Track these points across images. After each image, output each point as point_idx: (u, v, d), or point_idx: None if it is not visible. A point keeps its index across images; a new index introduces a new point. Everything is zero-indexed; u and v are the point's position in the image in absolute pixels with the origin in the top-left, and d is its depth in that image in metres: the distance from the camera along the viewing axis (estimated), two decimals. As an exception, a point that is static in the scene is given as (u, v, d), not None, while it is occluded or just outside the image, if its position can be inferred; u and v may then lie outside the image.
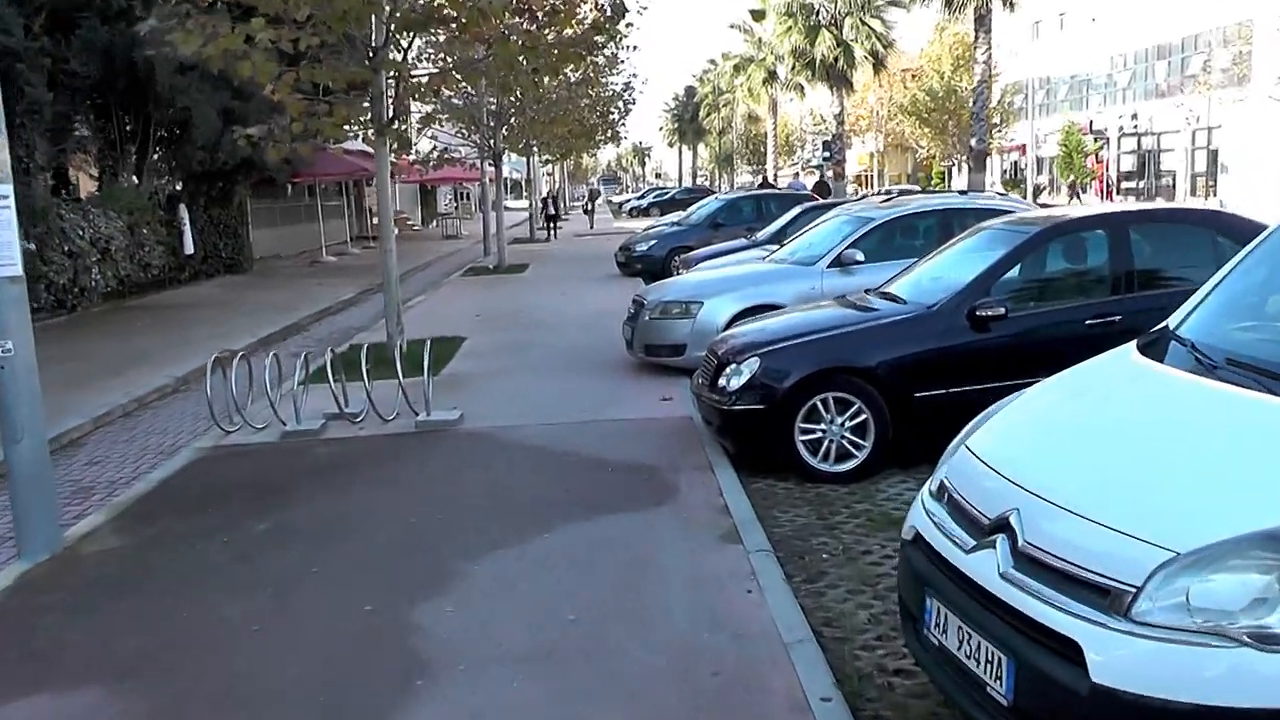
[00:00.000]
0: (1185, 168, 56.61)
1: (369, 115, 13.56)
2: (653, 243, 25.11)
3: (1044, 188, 65.40)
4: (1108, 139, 62.44)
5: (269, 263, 33.83)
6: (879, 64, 44.08)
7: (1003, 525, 3.77)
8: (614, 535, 6.82)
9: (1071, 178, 55.78)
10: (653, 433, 9.56)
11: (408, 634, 5.48)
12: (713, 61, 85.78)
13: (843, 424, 7.94)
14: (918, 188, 71.94)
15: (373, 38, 12.87)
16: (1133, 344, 4.80)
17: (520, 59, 12.69)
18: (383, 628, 5.58)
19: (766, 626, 5.37)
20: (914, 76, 55.92)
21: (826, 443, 7.96)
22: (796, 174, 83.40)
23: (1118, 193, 55.42)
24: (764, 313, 10.75)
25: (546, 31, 13.17)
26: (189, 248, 26.63)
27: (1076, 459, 3.95)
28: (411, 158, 31.12)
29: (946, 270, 9.13)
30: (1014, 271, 8.44)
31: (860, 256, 11.78)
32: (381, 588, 6.11)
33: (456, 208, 70.56)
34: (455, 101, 29.11)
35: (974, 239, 9.41)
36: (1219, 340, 4.54)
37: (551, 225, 43.79)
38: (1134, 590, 3.20)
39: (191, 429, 11.37)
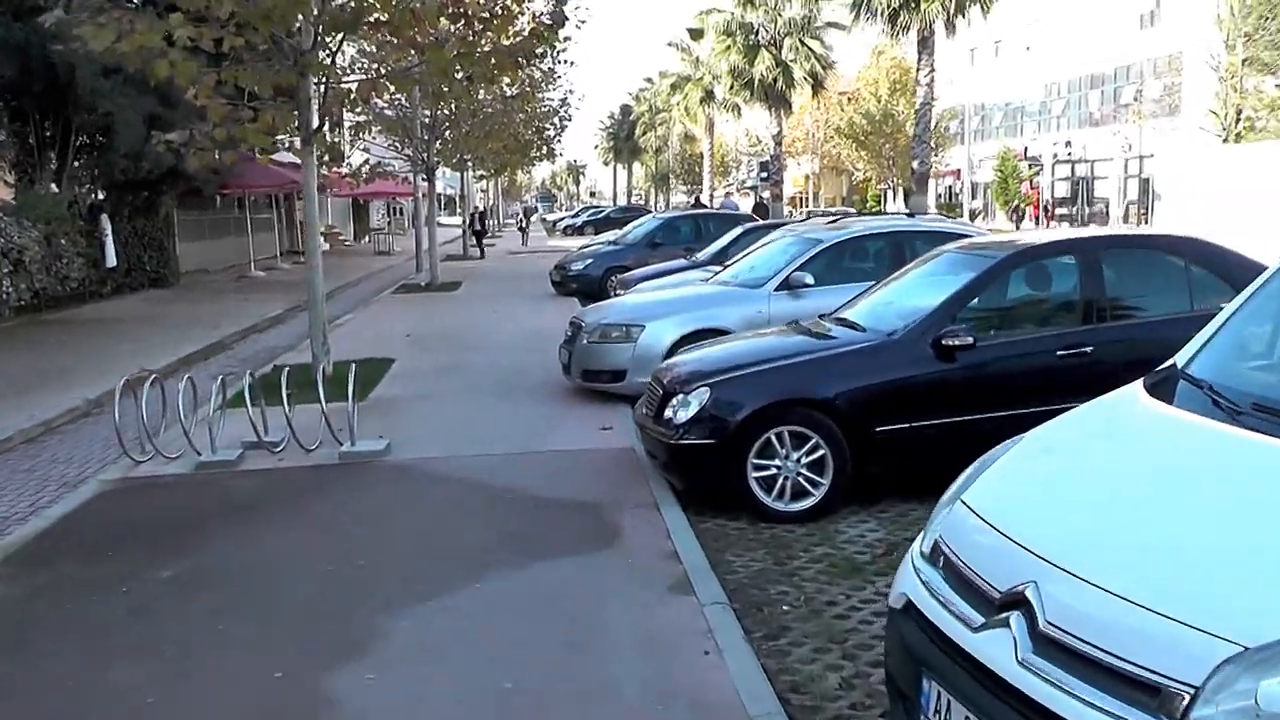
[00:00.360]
0: (1118, 194, 57.15)
1: (296, 123, 12.85)
2: (589, 262, 24.54)
3: (979, 212, 65.80)
4: (1042, 165, 62.96)
5: (195, 277, 32.82)
6: (818, 85, 43.87)
7: (1017, 600, 3.20)
8: (554, 585, 6.21)
9: (1016, 201, 55.96)
10: (593, 465, 8.96)
11: (322, 708, 4.82)
12: (649, 80, 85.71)
13: (799, 460, 7.39)
14: (853, 210, 72.41)
15: (300, 39, 12.20)
16: (1139, 384, 4.28)
17: (455, 67, 12.06)
18: (293, 701, 4.92)
19: (728, 695, 4.78)
20: (850, 99, 55.90)
21: (782, 480, 7.40)
22: (728, 193, 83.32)
23: (1053, 219, 55.62)
24: (710, 338, 10.25)
25: (482, 40, 12.57)
26: (111, 260, 25.62)
27: (1102, 522, 3.39)
28: (343, 170, 30.57)
29: (906, 296, 8.65)
30: (980, 298, 7.95)
31: (809, 279, 11.27)
32: (294, 650, 5.44)
33: (389, 223, 69.60)
34: (388, 113, 28.42)
35: (934, 263, 8.94)
36: (1238, 382, 4.03)
37: (479, 242, 42.93)
38: (1191, 691, 2.65)
39: (101, 457, 10.58)
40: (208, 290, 29.34)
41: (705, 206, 49.43)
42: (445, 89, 12.72)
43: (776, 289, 11.37)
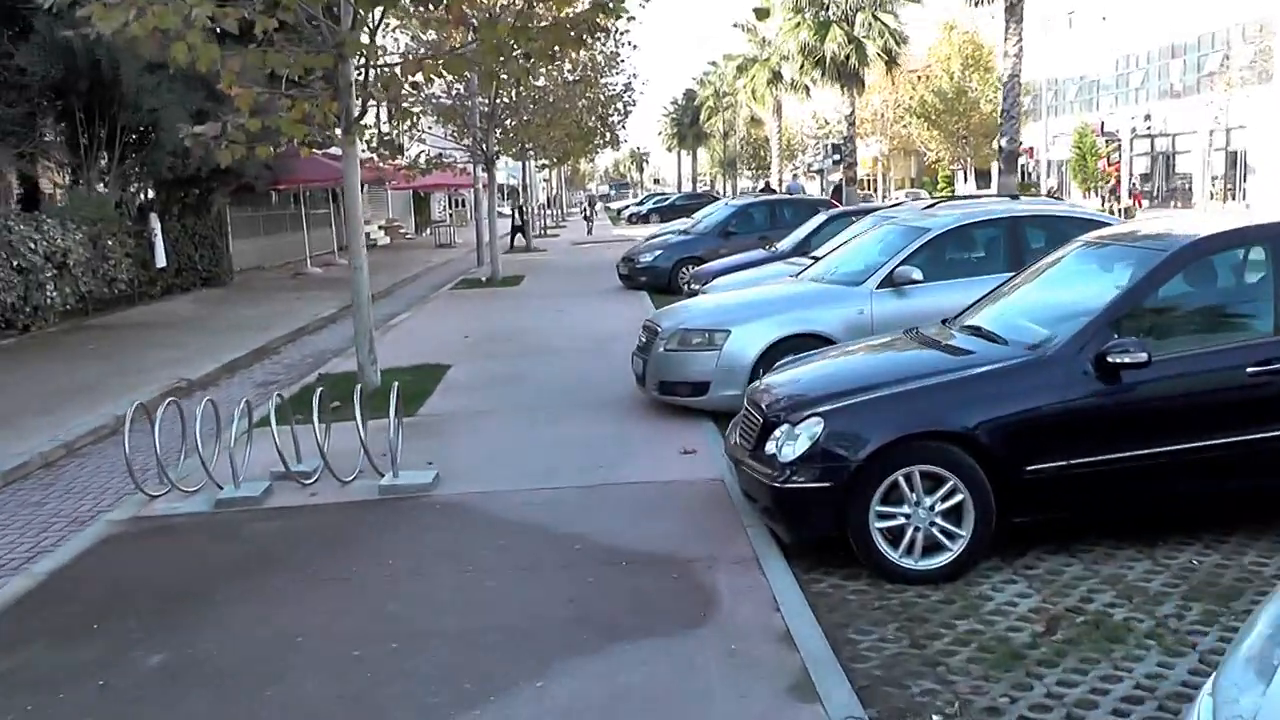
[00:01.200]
0: (1202, 169, 54.77)
1: (336, 113, 11.61)
2: (658, 253, 23.19)
3: (1055, 191, 63.52)
4: (1120, 141, 60.56)
5: (250, 275, 31.92)
6: (892, 62, 42.05)
7: None
8: (637, 683, 4.87)
9: (1112, 181, 53.67)
10: (676, 503, 7.60)
11: None
12: (714, 63, 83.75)
13: (932, 507, 5.98)
14: (923, 192, 70.43)
15: (339, 17, 10.96)
16: None
17: (510, 44, 10.75)
18: None
19: None
20: (922, 78, 53.96)
21: (911, 531, 6.00)
22: (795, 175, 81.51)
23: (1142, 199, 53.21)
24: (805, 347, 8.91)
25: (538, 11, 11.25)
26: (161, 260, 24.69)
27: None
28: (400, 162, 29.44)
29: (1046, 298, 7.24)
30: (1148, 303, 6.47)
31: (917, 275, 9.84)
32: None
33: (451, 215, 68.74)
34: (444, 101, 27.25)
35: (1073, 258, 7.50)
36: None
37: (520, 235, 41.15)
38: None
39: (119, 487, 9.37)
40: (261, 289, 28.36)
41: (774, 191, 47.92)
42: (501, 71, 11.37)
43: (879, 286, 9.95)
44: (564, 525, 7.17)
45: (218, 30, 9.80)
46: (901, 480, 5.95)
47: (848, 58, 40.31)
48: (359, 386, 9.87)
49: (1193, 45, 55.75)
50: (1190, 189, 55.64)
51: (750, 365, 9.49)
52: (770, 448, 6.30)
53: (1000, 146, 26.92)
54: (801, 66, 41.61)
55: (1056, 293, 7.22)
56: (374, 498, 8.08)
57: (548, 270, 30.98)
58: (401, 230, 55.22)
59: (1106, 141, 59.46)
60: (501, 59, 10.02)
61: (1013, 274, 8.24)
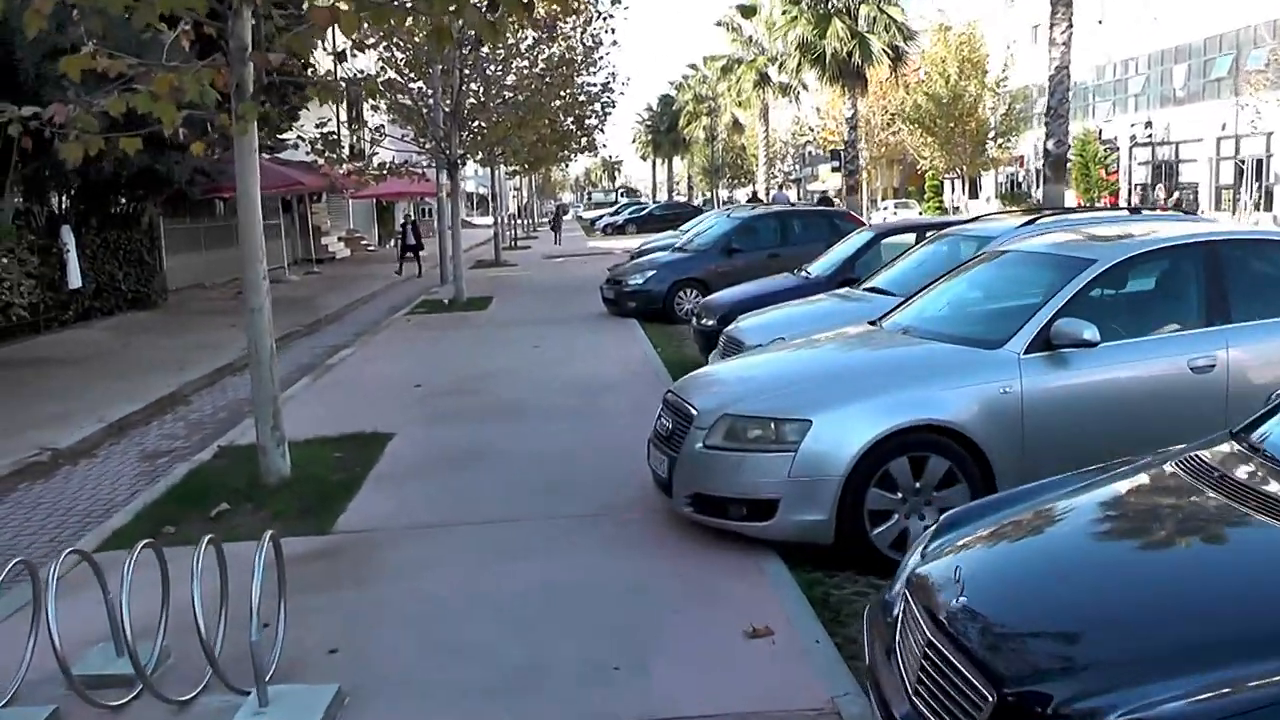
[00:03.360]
0: (1209, 178, 51.82)
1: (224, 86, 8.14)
2: (650, 274, 19.73)
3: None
4: (1118, 148, 57.56)
5: (187, 294, 28.37)
6: (898, 59, 38.74)
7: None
8: None
9: (1176, 195, 50.46)
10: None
11: None
12: (693, 66, 79.88)
13: None
14: (912, 202, 67.34)
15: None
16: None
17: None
18: None
19: None
20: (916, 82, 50.63)
21: None
22: (780, 185, 78.14)
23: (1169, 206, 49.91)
24: (926, 447, 5.70)
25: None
26: (74, 280, 21.14)
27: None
28: (347, 167, 25.91)
29: None
30: None
31: (1090, 333, 6.38)
32: None
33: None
34: (403, 101, 23.74)
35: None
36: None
37: (411, 257, 35.32)
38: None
39: None
40: (195, 311, 24.81)
41: (761, 201, 44.63)
42: (455, 23, 7.86)
43: (1030, 350, 6.53)
44: None
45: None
46: None
47: (850, 54, 36.81)
48: (273, 464, 6.52)
49: (1198, 49, 52.82)
50: (1196, 198, 52.61)
51: (843, 474, 6.10)
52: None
53: (1046, 150, 23.54)
54: (797, 65, 38.14)
55: None
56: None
57: (519, 289, 27.49)
58: (363, 242, 51.64)
59: (1106, 149, 56.49)
60: (453, 6, 6.62)
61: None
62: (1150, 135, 55.06)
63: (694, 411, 6.76)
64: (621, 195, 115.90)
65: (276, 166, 31.64)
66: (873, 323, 8.14)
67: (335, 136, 21.65)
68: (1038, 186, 67.39)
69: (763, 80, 48.45)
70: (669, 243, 26.55)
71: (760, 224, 20.92)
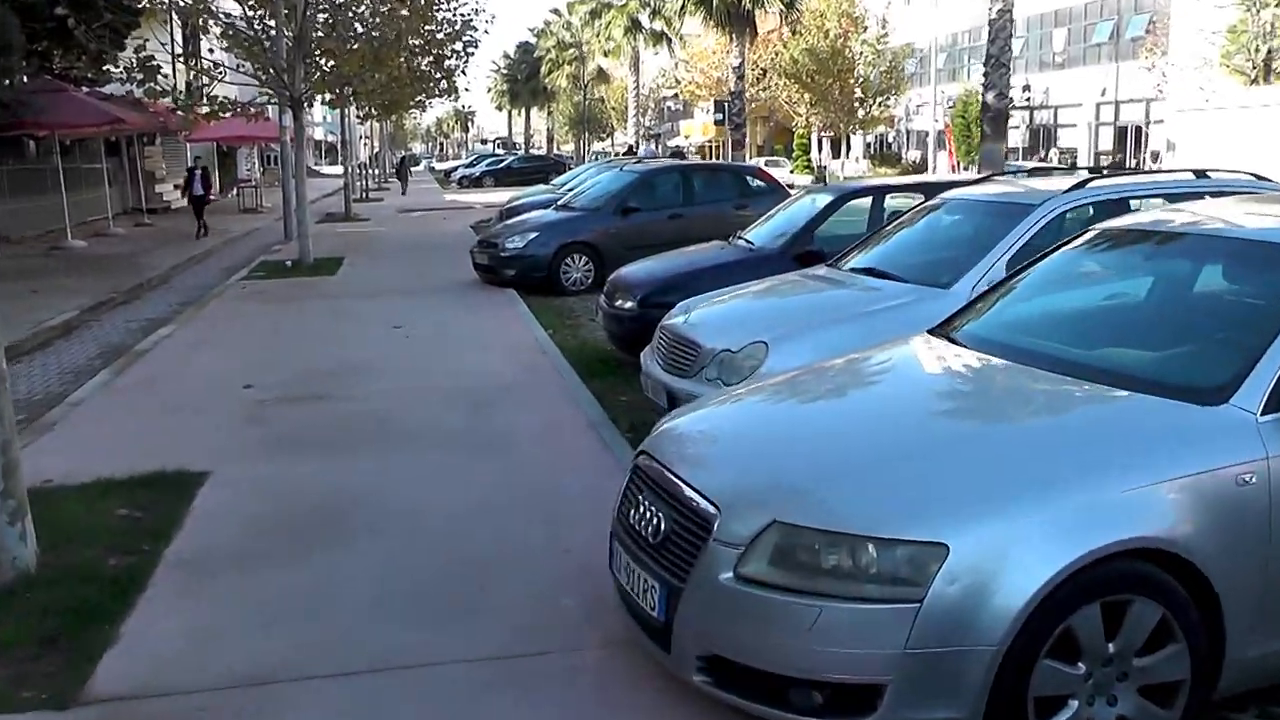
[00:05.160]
0: (1088, 144, 50.74)
1: None
2: (532, 236, 16.71)
3: (918, 164, 58.80)
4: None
5: (-14, 248, 24.46)
6: (790, 5, 36.09)
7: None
8: None
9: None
10: None
11: None
12: (556, 11, 75.97)
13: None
14: (783, 160, 65.15)
15: None
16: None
17: None
18: None
19: None
20: (790, 35, 47.99)
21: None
22: (650, 140, 75.36)
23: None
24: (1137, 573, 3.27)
25: None
26: None
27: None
28: (169, 103, 22.22)
29: None
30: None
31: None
32: None
33: (263, 172, 60.46)
34: (237, 24, 20.22)
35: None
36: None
37: (199, 216, 29.35)
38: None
39: None
40: (-12, 272, 21.02)
41: (634, 155, 41.83)
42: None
43: (1267, 410, 3.87)
44: None
45: None
46: None
47: (740, -2, 34.09)
48: None
49: (1078, 13, 51.63)
50: (1074, 164, 51.47)
51: (1005, 641, 3.41)
52: None
53: (984, 104, 21.04)
54: (682, 7, 35.19)
55: None
56: None
57: (374, 249, 24.20)
58: (199, 192, 47.17)
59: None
60: None
61: None
62: (1029, 99, 53.73)
63: (711, 509, 3.91)
64: (498, 148, 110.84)
65: (93, 101, 27.62)
66: (939, 334, 5.39)
67: (155, 63, 18.12)
68: (908, 148, 66.26)
69: (634, 27, 45.42)
70: (544, 199, 23.51)
71: (659, 180, 18.08)
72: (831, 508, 3.73)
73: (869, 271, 8.06)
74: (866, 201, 10.66)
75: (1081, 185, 7.69)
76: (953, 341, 5.19)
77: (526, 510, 6.35)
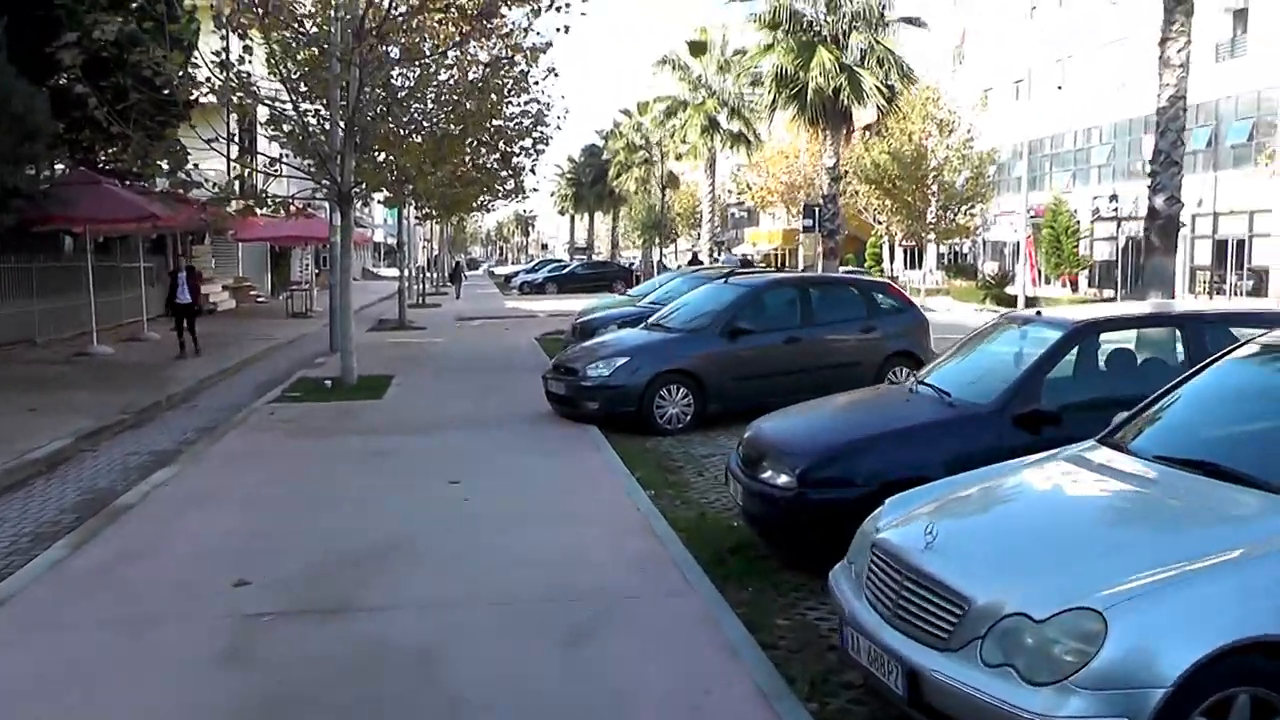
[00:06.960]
0: (1184, 257, 47.35)
1: None
2: (621, 362, 13.64)
3: (1005, 277, 55.35)
4: (1079, 221, 53.03)
5: (7, 353, 21.84)
6: (891, 99, 33.30)
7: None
8: None
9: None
10: None
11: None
12: (626, 112, 73.70)
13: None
14: (857, 269, 62.19)
15: None
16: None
17: None
18: None
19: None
20: (874, 136, 45.26)
21: None
22: (728, 247, 72.85)
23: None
24: None
25: None
26: None
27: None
28: (197, 195, 19.61)
29: None
30: None
31: None
32: None
33: (317, 274, 58.15)
34: (287, 112, 17.61)
35: None
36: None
37: (180, 326, 23.56)
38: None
39: None
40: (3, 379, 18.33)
41: (700, 262, 39.14)
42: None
43: None
44: None
45: None
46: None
47: (837, 91, 31.12)
48: None
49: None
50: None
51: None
52: None
53: (1152, 208, 17.79)
54: (772, 102, 32.43)
55: None
56: None
57: (429, 364, 21.35)
58: (253, 292, 44.97)
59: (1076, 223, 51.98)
60: None
61: None
62: (1116, 209, 50.58)
63: None
64: (571, 254, 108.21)
65: (129, 195, 25.16)
66: None
67: (180, 149, 15.56)
68: (984, 259, 62.99)
69: (712, 126, 42.95)
70: (623, 312, 20.56)
71: (771, 295, 15.06)
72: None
73: (1198, 466, 4.95)
74: (1122, 335, 7.62)
75: None
76: None
77: None
